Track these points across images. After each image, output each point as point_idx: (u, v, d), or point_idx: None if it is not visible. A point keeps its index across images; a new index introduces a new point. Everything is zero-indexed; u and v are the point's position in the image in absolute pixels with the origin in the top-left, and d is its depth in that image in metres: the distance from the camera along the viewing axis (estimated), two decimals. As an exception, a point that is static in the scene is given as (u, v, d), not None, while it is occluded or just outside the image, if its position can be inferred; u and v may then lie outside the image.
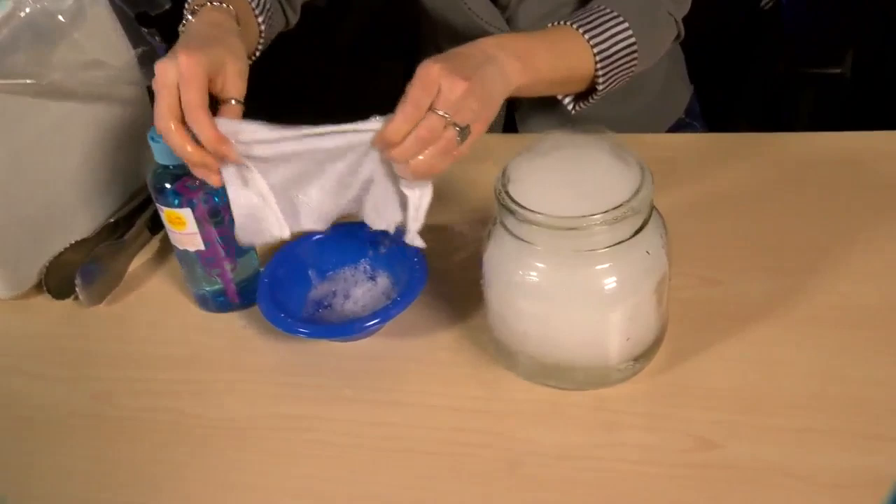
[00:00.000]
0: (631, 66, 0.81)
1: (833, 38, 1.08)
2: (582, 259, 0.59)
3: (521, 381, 0.66)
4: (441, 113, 0.61)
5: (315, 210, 0.69)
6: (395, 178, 0.66)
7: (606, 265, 0.60)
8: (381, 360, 0.70)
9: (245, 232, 0.68)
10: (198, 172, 0.65)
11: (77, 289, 0.77)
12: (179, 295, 0.79)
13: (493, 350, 0.68)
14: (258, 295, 0.71)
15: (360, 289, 0.75)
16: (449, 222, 0.83)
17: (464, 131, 0.63)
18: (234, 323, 0.76)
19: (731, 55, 1.12)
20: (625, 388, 0.65)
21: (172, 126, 0.61)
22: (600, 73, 0.79)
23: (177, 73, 0.61)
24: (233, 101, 0.64)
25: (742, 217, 0.80)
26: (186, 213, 0.70)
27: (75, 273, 0.77)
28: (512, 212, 0.59)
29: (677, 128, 1.06)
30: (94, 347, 0.76)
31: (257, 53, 0.81)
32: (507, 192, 0.60)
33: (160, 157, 0.69)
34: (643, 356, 0.65)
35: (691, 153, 0.89)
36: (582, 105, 0.84)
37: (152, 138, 0.67)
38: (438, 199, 0.86)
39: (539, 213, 0.58)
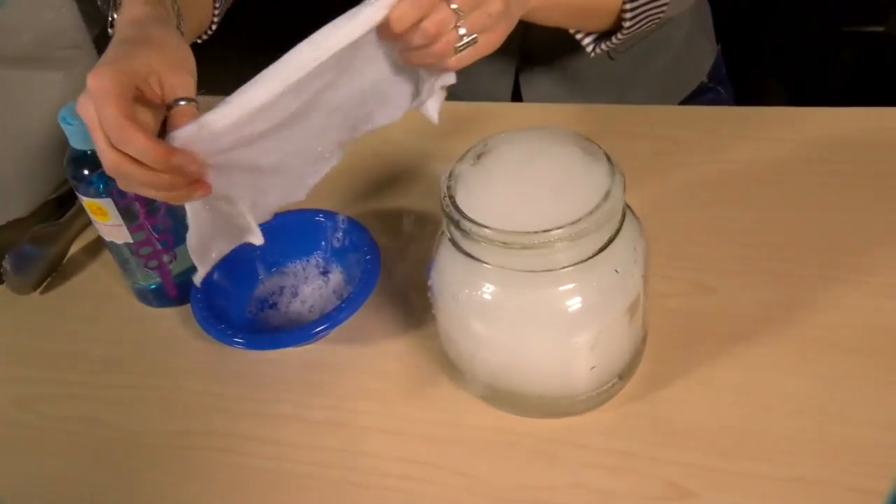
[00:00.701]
0: (661, 7, 0.73)
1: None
2: (539, 279, 0.51)
3: (474, 401, 0.60)
4: (455, 6, 0.52)
5: (338, 151, 0.59)
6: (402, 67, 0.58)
7: (567, 286, 0.52)
8: (324, 370, 0.64)
9: (203, 248, 0.58)
10: (176, 200, 0.53)
11: (3, 275, 0.71)
12: (120, 285, 0.73)
13: (447, 364, 0.61)
14: (192, 296, 0.65)
15: (310, 286, 0.69)
16: (416, 207, 0.75)
17: (467, 41, 0.54)
18: (173, 319, 0.70)
19: (760, 11, 1.00)
20: (590, 416, 0.58)
21: (124, 164, 0.49)
22: (628, 6, 0.71)
23: (90, 102, 0.49)
24: (181, 102, 0.52)
25: (750, 209, 0.70)
26: (107, 204, 0.63)
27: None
28: (457, 223, 0.51)
29: (699, 94, 0.95)
30: (21, 343, 0.70)
31: (214, 25, 0.73)
32: (451, 199, 0.52)
33: (76, 142, 0.62)
34: (613, 382, 0.57)
35: (699, 130, 0.79)
36: (603, 47, 0.76)
37: (65, 119, 0.61)
38: (406, 180, 0.79)
39: (487, 228, 0.50)
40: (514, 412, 0.58)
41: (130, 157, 0.49)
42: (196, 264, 0.59)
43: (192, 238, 0.57)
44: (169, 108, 0.52)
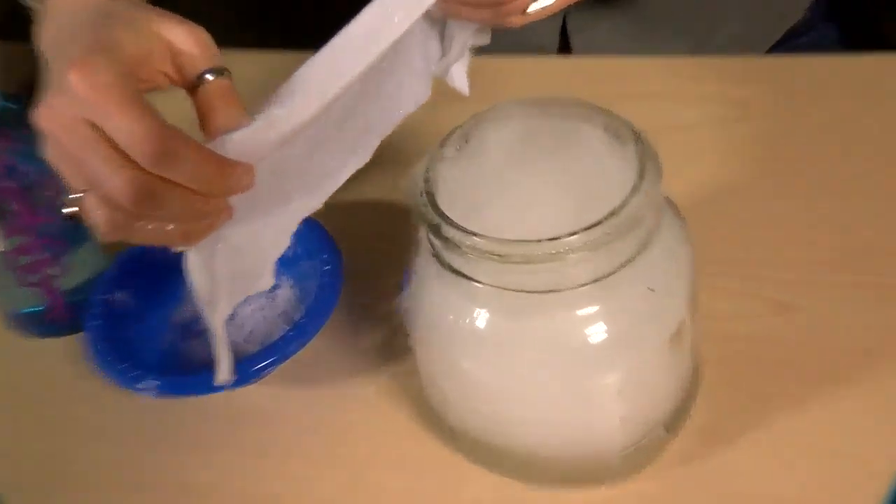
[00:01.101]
0: None
1: None
2: (547, 302, 0.52)
3: (467, 464, 0.61)
4: None
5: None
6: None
7: (586, 310, 0.53)
8: (266, 421, 0.65)
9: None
10: (198, 235, 0.51)
11: None
12: None
13: (430, 413, 0.62)
14: (86, 322, 0.66)
15: (250, 306, 0.70)
16: (396, 199, 0.77)
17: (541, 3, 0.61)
18: (62, 353, 0.71)
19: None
20: (623, 487, 0.58)
21: (158, 190, 0.45)
22: None
23: (75, 108, 0.45)
24: (209, 76, 0.49)
25: (846, 198, 0.71)
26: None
27: None
28: (437, 230, 0.52)
29: (797, 36, 0.96)
30: None
31: None
32: (430, 197, 0.53)
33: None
34: (652, 437, 0.58)
35: (784, 88, 0.80)
36: None
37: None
38: (387, 163, 0.80)
39: (477, 235, 0.51)
40: (520, 479, 0.59)
41: (165, 180, 0.45)
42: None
43: (202, 291, 0.57)
44: (194, 87, 0.49)
